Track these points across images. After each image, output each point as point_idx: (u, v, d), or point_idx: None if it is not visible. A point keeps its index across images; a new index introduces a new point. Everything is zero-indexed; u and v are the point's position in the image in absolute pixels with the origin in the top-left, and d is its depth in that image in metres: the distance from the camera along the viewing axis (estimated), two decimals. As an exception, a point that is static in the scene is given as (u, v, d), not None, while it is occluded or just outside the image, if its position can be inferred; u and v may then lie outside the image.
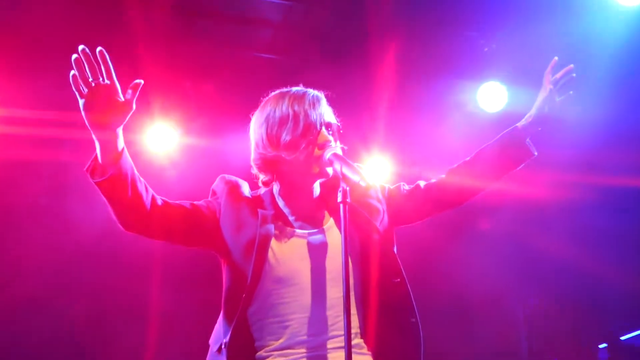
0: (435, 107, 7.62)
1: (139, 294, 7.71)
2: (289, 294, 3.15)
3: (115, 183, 2.91)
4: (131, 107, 2.86)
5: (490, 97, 7.46)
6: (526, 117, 3.48)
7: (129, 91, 2.89)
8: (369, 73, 7.09)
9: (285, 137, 3.18)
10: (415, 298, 3.23)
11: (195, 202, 3.29)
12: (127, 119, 2.88)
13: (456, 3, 6.83)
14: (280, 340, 3.11)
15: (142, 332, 7.75)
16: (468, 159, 3.51)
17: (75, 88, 2.80)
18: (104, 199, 2.96)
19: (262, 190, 3.40)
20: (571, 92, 3.43)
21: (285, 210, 3.33)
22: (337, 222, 3.22)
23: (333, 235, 3.26)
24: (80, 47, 2.78)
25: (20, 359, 7.71)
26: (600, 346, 7.83)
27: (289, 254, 3.21)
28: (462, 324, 7.93)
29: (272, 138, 3.21)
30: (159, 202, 3.15)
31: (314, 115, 3.22)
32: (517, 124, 3.48)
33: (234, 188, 3.36)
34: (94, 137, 2.85)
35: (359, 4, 6.77)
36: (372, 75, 7.10)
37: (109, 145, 2.87)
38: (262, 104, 3.36)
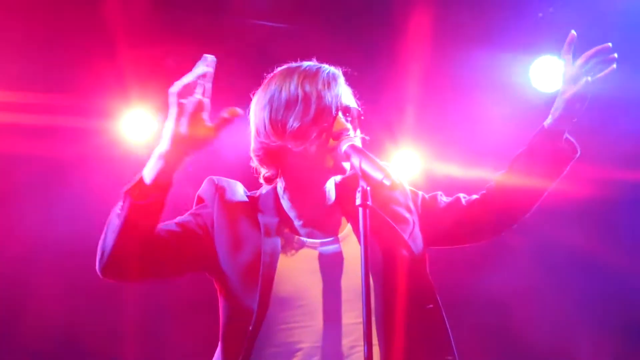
0: (477, 88, 7.53)
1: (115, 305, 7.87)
2: (295, 317, 3.10)
3: (154, 210, 2.93)
4: (215, 136, 2.85)
5: (545, 74, 7.36)
6: (552, 111, 3.38)
7: (221, 117, 2.86)
8: (393, 45, 7.06)
9: (293, 123, 3.08)
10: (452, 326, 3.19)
11: (182, 220, 3.21)
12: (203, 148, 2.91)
13: None
14: None
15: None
16: (500, 173, 3.48)
17: (177, 95, 2.80)
18: (122, 222, 2.89)
19: (264, 189, 3.36)
20: (611, 68, 3.32)
21: (291, 214, 3.26)
22: (356, 230, 3.13)
23: (350, 247, 3.19)
24: (210, 57, 2.88)
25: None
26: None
27: (296, 269, 3.16)
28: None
29: (276, 124, 3.12)
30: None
31: (328, 97, 3.11)
32: (543, 124, 3.39)
33: (226, 193, 3.27)
34: (158, 155, 2.85)
35: None
36: (397, 48, 7.06)
37: (170, 168, 2.86)
38: (265, 81, 3.27)
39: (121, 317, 8.11)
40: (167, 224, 3.15)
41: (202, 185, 3.34)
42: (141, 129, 7.52)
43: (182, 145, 2.82)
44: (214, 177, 3.33)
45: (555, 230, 7.93)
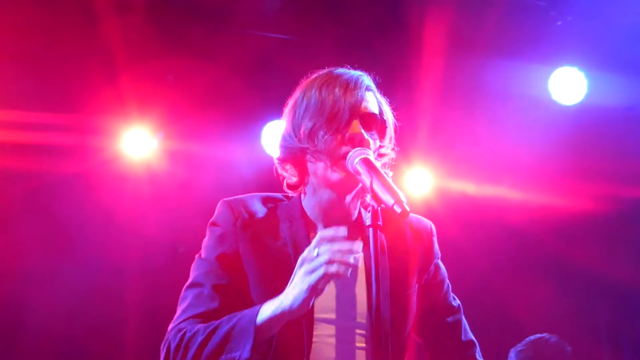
0: (494, 100, 7.50)
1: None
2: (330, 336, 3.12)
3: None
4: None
5: (565, 85, 7.33)
6: None
7: None
8: (406, 56, 7.05)
9: (308, 122, 3.07)
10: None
11: (223, 283, 3.12)
12: None
13: None
14: None
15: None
16: None
17: (329, 269, 2.75)
18: None
19: (291, 194, 3.32)
20: None
21: (315, 223, 3.23)
22: (369, 257, 2.98)
23: (363, 271, 3.18)
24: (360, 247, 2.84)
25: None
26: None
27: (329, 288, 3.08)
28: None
29: (296, 126, 3.12)
30: None
31: (343, 101, 3.06)
32: None
33: (247, 219, 3.18)
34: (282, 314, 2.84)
35: None
36: (410, 59, 7.04)
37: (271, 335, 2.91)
38: (300, 86, 3.27)
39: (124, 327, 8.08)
40: (224, 291, 3.10)
41: (217, 210, 3.21)
42: (140, 146, 7.56)
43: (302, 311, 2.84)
44: (229, 201, 3.22)
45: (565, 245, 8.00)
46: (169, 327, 3.08)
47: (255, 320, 2.84)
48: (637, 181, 7.56)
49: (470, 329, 5.93)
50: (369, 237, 2.96)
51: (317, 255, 2.76)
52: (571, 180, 7.59)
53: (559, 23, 7.01)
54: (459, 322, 3.41)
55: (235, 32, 7.22)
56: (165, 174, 7.78)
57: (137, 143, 7.58)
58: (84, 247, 7.61)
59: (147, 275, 8.02)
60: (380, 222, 2.83)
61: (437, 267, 3.33)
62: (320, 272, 2.72)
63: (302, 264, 2.80)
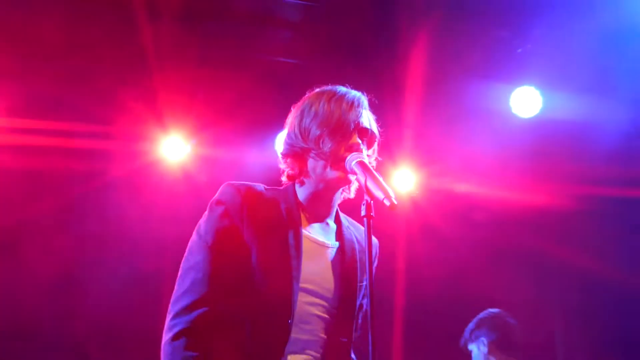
0: (466, 113, 7.55)
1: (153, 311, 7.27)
2: (313, 307, 3.16)
3: None
4: None
5: (524, 102, 7.40)
6: None
7: None
8: (395, 77, 7.07)
9: (315, 130, 3.14)
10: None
11: (219, 267, 3.09)
12: None
13: (490, 2, 6.65)
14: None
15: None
16: None
17: None
18: None
19: (285, 181, 3.36)
20: None
21: (303, 210, 3.27)
22: (342, 247, 3.26)
23: (344, 255, 3.26)
24: None
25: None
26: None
27: (312, 264, 3.18)
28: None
29: (303, 130, 3.18)
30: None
31: (348, 116, 3.15)
32: None
33: (246, 200, 3.18)
34: None
35: (384, 5, 6.79)
36: (398, 80, 7.08)
37: None
38: (303, 98, 3.34)
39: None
40: (220, 276, 3.08)
41: (221, 190, 3.24)
42: (176, 151, 7.60)
43: None
44: (234, 183, 3.26)
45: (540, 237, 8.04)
46: (173, 310, 3.11)
47: None
48: (583, 181, 7.53)
49: (450, 308, 5.94)
50: (343, 230, 3.29)
51: None
52: (529, 180, 7.64)
53: (519, 50, 7.09)
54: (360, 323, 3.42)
55: (255, 57, 7.22)
56: (197, 175, 7.76)
57: (174, 148, 7.62)
58: (129, 237, 7.65)
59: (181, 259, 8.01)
60: (372, 214, 2.90)
61: (372, 274, 3.29)
62: None
63: None
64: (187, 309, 3.01)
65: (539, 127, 7.43)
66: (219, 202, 3.17)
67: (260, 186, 3.30)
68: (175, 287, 3.11)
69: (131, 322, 7.70)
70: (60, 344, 7.92)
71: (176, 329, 2.98)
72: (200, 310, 2.99)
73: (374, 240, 3.29)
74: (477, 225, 8.01)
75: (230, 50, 7.16)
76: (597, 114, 7.12)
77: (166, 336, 2.99)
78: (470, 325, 5.93)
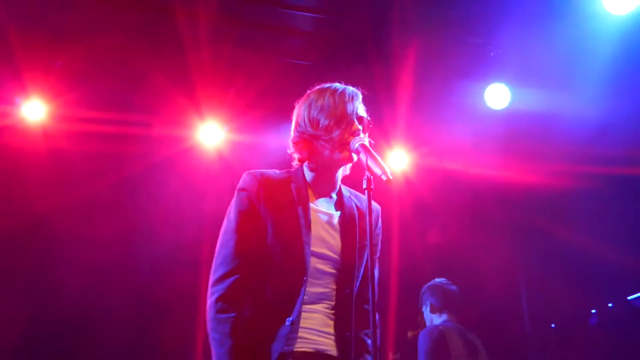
0: (449, 105, 7.55)
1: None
2: (323, 266, 3.19)
3: None
4: None
5: (495, 96, 7.43)
6: None
7: None
8: (390, 77, 7.08)
9: (323, 121, 3.19)
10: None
11: (248, 240, 3.17)
12: None
13: (467, 16, 6.76)
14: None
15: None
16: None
17: None
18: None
19: (295, 165, 3.40)
20: None
21: (310, 185, 3.32)
22: (343, 215, 3.29)
23: (337, 223, 3.28)
24: None
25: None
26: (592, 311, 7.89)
27: (320, 231, 3.22)
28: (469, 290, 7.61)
29: (313, 120, 3.23)
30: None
31: (350, 107, 3.22)
32: None
33: (262, 184, 3.26)
34: None
35: (380, 19, 6.77)
36: (393, 79, 7.10)
37: None
38: (306, 95, 3.37)
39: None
40: (249, 247, 3.15)
41: (242, 178, 3.30)
42: (212, 137, 7.67)
43: None
44: (252, 171, 3.33)
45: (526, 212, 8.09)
46: (213, 277, 3.15)
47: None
48: (544, 160, 7.44)
49: (436, 267, 5.87)
50: (345, 201, 3.32)
51: None
52: (500, 159, 7.61)
53: (492, 54, 7.10)
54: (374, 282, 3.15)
55: (275, 59, 7.27)
56: (230, 158, 7.74)
57: (210, 134, 7.64)
58: (173, 209, 7.76)
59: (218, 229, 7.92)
60: (372, 187, 2.95)
61: (377, 236, 3.45)
62: None
63: None
64: (221, 279, 3.10)
65: (508, 117, 7.48)
66: (241, 189, 3.25)
67: (274, 171, 3.36)
68: (213, 260, 3.20)
69: (175, 278, 7.69)
70: (123, 298, 7.87)
71: (215, 296, 3.07)
72: (231, 279, 3.08)
73: (376, 206, 3.42)
74: (460, 198, 8.00)
75: (256, 53, 7.14)
76: (556, 105, 7.10)
77: (208, 301, 3.09)
78: (421, 292, 6.01)
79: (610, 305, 7.76)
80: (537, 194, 7.68)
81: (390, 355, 7.86)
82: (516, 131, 7.55)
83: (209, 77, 7.10)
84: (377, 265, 3.41)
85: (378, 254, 3.46)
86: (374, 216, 3.34)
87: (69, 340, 7.82)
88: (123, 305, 7.92)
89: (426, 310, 5.94)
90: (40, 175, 7.40)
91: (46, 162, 7.39)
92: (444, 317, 5.82)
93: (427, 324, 5.90)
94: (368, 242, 3.00)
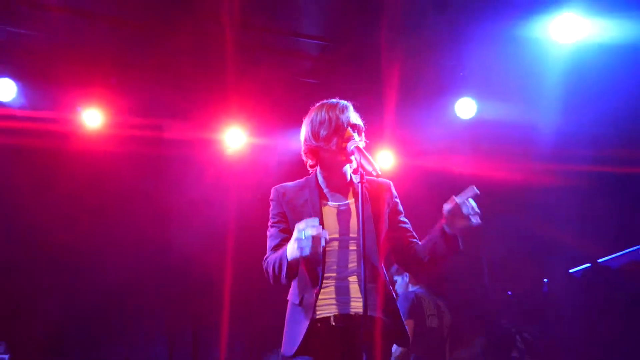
0: (427, 115, 7.54)
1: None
2: (333, 247, 3.23)
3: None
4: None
5: (464, 108, 7.44)
6: (448, 224, 3.11)
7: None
8: (379, 92, 7.04)
9: (323, 132, 3.22)
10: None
11: (283, 226, 3.29)
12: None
13: (442, 43, 6.75)
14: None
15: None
16: (415, 247, 3.32)
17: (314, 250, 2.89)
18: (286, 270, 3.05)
19: (311, 171, 3.44)
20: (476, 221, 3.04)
21: (323, 187, 3.35)
22: (356, 201, 3.26)
23: (354, 208, 3.28)
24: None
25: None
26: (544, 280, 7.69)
27: (329, 220, 3.26)
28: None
29: (314, 134, 3.26)
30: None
31: (342, 118, 3.23)
32: (444, 228, 3.13)
33: (286, 193, 3.36)
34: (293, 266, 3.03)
35: (371, 46, 6.70)
36: (382, 94, 7.06)
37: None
38: (309, 112, 3.38)
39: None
40: (283, 235, 3.24)
41: (272, 192, 3.38)
42: (236, 140, 7.61)
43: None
44: (276, 187, 3.40)
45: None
46: (265, 256, 3.27)
47: (286, 255, 3.00)
48: (504, 158, 7.39)
49: None
50: (357, 189, 3.17)
51: (300, 231, 2.90)
52: (470, 159, 7.55)
53: (462, 74, 7.12)
54: (409, 229, 3.39)
55: (288, 77, 7.22)
56: (250, 157, 7.69)
57: (235, 138, 7.58)
58: (203, 200, 7.68)
59: (242, 220, 7.66)
60: (365, 181, 3.04)
61: (396, 202, 3.41)
62: (297, 252, 2.90)
63: (296, 231, 2.93)
64: (267, 253, 3.24)
65: (475, 125, 7.48)
66: (271, 200, 3.36)
67: (292, 183, 3.40)
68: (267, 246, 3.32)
69: (206, 256, 7.71)
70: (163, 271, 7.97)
71: (265, 258, 3.23)
72: (272, 250, 3.24)
73: (386, 181, 3.40)
74: (434, 189, 7.34)
75: (273, 72, 7.07)
76: (513, 115, 7.09)
77: (264, 260, 3.24)
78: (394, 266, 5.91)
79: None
80: (499, 186, 7.42)
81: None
82: (481, 136, 7.55)
83: (234, 91, 7.06)
84: (406, 222, 3.40)
85: (403, 216, 3.41)
86: (387, 190, 3.38)
87: (115, 310, 7.87)
88: (161, 280, 8.00)
89: (404, 281, 6.02)
90: (95, 172, 7.43)
91: (101, 161, 7.37)
92: (417, 286, 5.96)
93: (403, 290, 5.98)
94: (387, 216, 3.22)
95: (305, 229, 2.88)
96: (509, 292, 7.65)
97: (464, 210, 3.00)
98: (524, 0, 6.12)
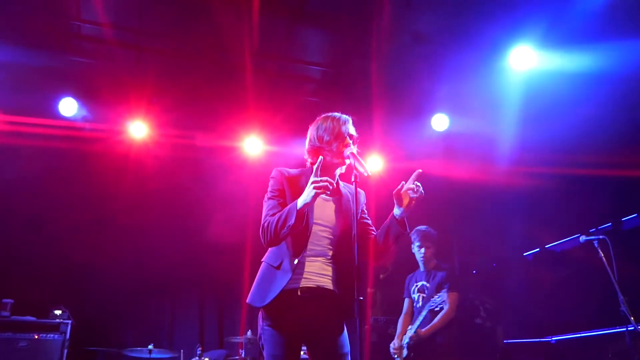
0: (408, 128, 7.54)
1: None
2: (319, 231, 3.21)
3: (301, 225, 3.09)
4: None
5: (439, 122, 7.46)
6: (397, 209, 3.13)
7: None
8: (370, 108, 7.02)
9: (326, 137, 3.24)
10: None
11: (280, 200, 3.24)
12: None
13: (419, 70, 6.83)
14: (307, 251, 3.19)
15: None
16: (378, 231, 3.29)
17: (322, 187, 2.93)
18: (288, 229, 3.01)
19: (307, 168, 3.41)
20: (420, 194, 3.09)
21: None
22: (340, 197, 3.28)
23: (334, 204, 3.29)
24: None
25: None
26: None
27: (320, 209, 3.24)
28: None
29: (319, 137, 3.26)
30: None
31: (343, 129, 3.26)
32: (394, 213, 3.15)
33: (288, 175, 3.33)
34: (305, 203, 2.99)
35: (364, 72, 6.73)
36: (371, 110, 7.04)
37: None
38: (315, 120, 3.36)
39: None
40: (282, 204, 3.19)
41: (273, 172, 3.35)
42: (253, 147, 7.64)
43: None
44: (279, 168, 3.37)
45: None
46: (262, 221, 3.18)
47: (296, 205, 3.01)
48: (472, 162, 7.29)
49: (407, 242, 5.87)
50: (342, 189, 3.27)
51: (312, 183, 2.96)
52: (444, 163, 7.44)
53: (436, 94, 7.06)
54: (369, 222, 3.37)
55: (295, 97, 7.13)
56: (266, 162, 7.64)
57: (253, 146, 7.61)
58: (225, 200, 7.60)
59: (259, 214, 7.71)
60: (357, 180, 3.03)
61: (364, 205, 3.42)
62: (313, 190, 2.94)
63: (309, 185, 2.98)
64: (267, 217, 3.15)
65: (448, 136, 7.49)
66: (272, 177, 3.34)
67: (293, 169, 3.37)
68: (263, 212, 3.25)
69: (226, 247, 7.66)
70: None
71: (265, 220, 3.14)
72: (272, 216, 3.17)
73: (361, 191, 3.40)
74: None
75: (284, 92, 7.13)
76: (480, 128, 7.12)
77: (263, 223, 3.16)
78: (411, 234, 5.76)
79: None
80: (468, 185, 7.42)
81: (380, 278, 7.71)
82: (453, 145, 7.57)
83: (253, 108, 7.09)
84: (367, 218, 3.40)
85: (366, 214, 3.42)
86: (362, 197, 3.40)
87: (161, 281, 7.85)
88: (195, 259, 8.01)
89: (415, 245, 5.75)
90: (140, 175, 7.46)
91: (144, 165, 7.40)
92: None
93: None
94: (354, 215, 3.05)
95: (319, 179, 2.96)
96: (474, 271, 7.65)
97: (410, 189, 3.08)
98: (487, 36, 6.17)
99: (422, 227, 5.82)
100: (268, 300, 3.09)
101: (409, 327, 5.49)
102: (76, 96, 6.89)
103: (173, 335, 7.85)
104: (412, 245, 5.82)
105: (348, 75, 6.97)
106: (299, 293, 3.10)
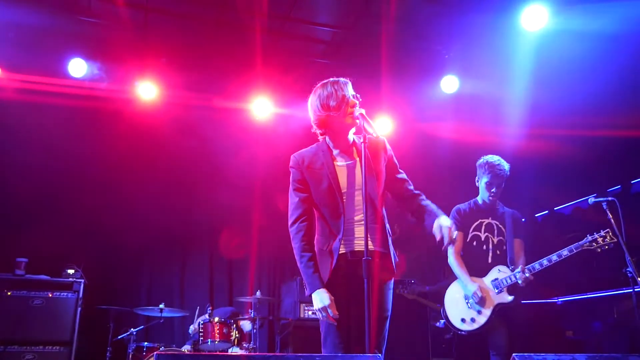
0: (418, 90, 7.51)
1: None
2: (345, 198, 3.24)
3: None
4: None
5: (449, 84, 7.37)
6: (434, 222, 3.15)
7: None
8: (379, 70, 6.91)
9: (332, 103, 3.19)
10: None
11: (304, 195, 3.26)
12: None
13: (430, 31, 6.70)
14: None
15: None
16: (419, 204, 3.32)
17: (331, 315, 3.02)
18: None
19: (320, 139, 3.39)
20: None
21: (332, 150, 3.32)
22: (360, 159, 3.23)
23: (357, 165, 3.27)
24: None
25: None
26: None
27: (341, 176, 3.26)
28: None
29: (324, 105, 3.22)
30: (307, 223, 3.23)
31: (346, 91, 3.22)
32: (438, 218, 3.15)
33: (305, 159, 3.32)
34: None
35: (372, 33, 6.64)
36: (381, 71, 6.93)
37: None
38: (313, 91, 3.34)
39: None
40: (305, 202, 3.23)
41: (291, 160, 3.34)
42: (263, 109, 7.59)
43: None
44: (294, 155, 3.36)
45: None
46: (290, 221, 3.23)
47: (312, 286, 3.07)
48: (480, 125, 7.15)
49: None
50: (359, 148, 3.21)
51: (319, 308, 3.03)
52: (453, 125, 7.43)
53: (447, 56, 7.04)
54: (406, 179, 3.38)
55: (304, 58, 7.13)
56: (274, 123, 7.65)
57: (261, 107, 7.54)
58: (233, 159, 7.63)
59: (266, 172, 7.71)
60: (367, 141, 3.06)
61: (390, 155, 3.38)
62: (319, 314, 3.04)
63: (316, 298, 3.05)
64: (296, 220, 3.20)
65: (458, 98, 7.38)
66: (291, 167, 3.33)
67: (306, 149, 3.37)
68: (289, 209, 3.28)
69: (235, 201, 7.71)
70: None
71: (299, 235, 3.17)
72: (302, 219, 3.21)
73: (382, 138, 3.36)
74: (423, 148, 7.67)
75: (293, 55, 7.11)
76: (489, 90, 6.97)
77: (295, 237, 3.19)
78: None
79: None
80: (476, 147, 6.51)
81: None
82: (463, 108, 7.48)
83: (262, 70, 7.02)
84: (401, 173, 3.40)
85: (398, 167, 3.40)
86: (383, 147, 3.36)
87: (171, 238, 7.91)
88: (206, 216, 8.05)
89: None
90: (148, 136, 7.47)
91: (153, 126, 7.35)
92: None
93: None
94: (384, 169, 3.20)
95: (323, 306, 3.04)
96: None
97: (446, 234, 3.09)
98: (498, -4, 6.16)
99: (495, 161, 4.93)
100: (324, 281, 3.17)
101: (496, 269, 4.65)
102: (85, 57, 6.81)
103: (184, 296, 7.92)
104: (479, 178, 4.99)
105: (358, 37, 6.88)
106: (348, 257, 3.17)
